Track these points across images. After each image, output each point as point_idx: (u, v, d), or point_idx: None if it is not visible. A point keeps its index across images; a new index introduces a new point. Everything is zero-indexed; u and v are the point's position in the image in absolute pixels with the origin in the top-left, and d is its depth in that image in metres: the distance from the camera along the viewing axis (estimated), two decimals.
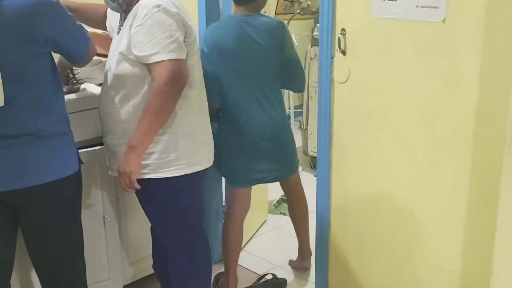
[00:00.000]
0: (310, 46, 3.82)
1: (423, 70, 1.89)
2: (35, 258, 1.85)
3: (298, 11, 3.79)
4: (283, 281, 2.55)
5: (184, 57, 1.76)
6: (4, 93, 1.59)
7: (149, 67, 1.74)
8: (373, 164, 2.11)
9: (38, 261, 1.85)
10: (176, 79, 1.73)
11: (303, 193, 2.60)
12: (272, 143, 2.28)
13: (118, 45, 1.81)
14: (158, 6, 1.71)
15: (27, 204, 1.71)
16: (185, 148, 1.84)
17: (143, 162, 1.80)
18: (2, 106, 1.59)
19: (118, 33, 1.87)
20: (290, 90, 2.75)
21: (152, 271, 2.29)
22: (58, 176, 1.69)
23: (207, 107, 1.97)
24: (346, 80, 2.14)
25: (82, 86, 2.16)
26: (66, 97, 2.07)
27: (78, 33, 1.72)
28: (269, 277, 2.55)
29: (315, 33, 3.99)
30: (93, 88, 2.19)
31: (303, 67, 2.67)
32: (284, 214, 3.21)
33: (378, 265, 2.18)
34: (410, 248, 2.06)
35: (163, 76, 1.70)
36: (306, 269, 2.66)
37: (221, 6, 2.66)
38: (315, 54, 3.66)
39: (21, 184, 1.65)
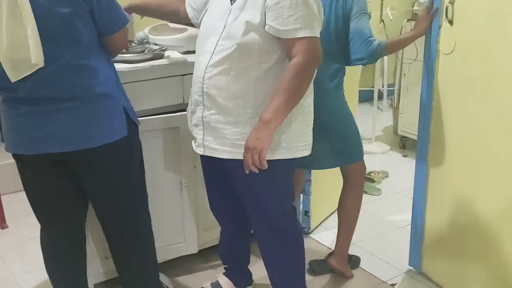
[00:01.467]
0: (406, 20, 3.62)
1: None
2: (99, 217, 1.94)
3: None
4: (357, 259, 2.45)
5: (319, 36, 1.70)
6: (44, 53, 1.62)
7: (287, 42, 1.66)
8: (473, 140, 1.98)
9: (103, 220, 1.94)
10: (317, 58, 1.68)
11: (361, 185, 2.31)
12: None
13: (240, 13, 1.70)
14: None
15: (81, 166, 1.79)
16: (296, 130, 1.77)
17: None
18: (43, 67, 1.63)
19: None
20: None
21: None
22: (103, 142, 1.74)
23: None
24: (452, 51, 2.03)
25: (166, 53, 2.19)
26: (151, 63, 2.15)
27: (117, 13, 1.76)
28: None
29: (415, 8, 3.81)
30: (177, 55, 2.21)
31: None
32: (365, 192, 3.09)
33: (472, 248, 2.07)
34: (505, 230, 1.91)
35: (306, 54, 1.64)
36: (341, 273, 2.37)
37: None
38: (410, 29, 3.45)
39: (69, 147, 1.72)
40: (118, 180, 1.87)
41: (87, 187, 1.86)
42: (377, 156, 3.71)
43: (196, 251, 2.37)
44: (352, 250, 2.43)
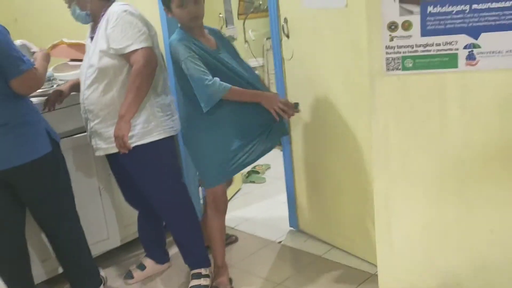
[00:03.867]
0: (265, 39, 4.38)
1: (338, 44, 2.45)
2: (37, 221, 2.34)
3: (251, 10, 4.34)
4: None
5: (151, 46, 2.27)
6: None
7: (126, 56, 2.23)
8: (316, 119, 2.69)
9: (40, 223, 2.34)
10: (149, 62, 2.23)
11: (209, 209, 2.51)
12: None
13: (95, 47, 2.30)
14: (125, 10, 2.25)
15: (15, 180, 2.18)
16: (161, 118, 2.35)
17: (130, 134, 2.28)
18: None
19: (91, 39, 2.36)
20: None
21: None
22: (31, 158, 2.12)
23: (168, 88, 2.47)
24: (291, 57, 2.72)
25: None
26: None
27: (19, 57, 2.06)
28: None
29: None
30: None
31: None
32: (254, 182, 3.81)
33: (329, 201, 2.75)
34: (347, 182, 2.63)
35: (140, 60, 2.21)
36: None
37: None
38: (270, 46, 4.22)
39: (2, 166, 2.10)
40: (48, 187, 2.26)
41: (23, 197, 2.25)
42: None
43: (119, 245, 2.86)
44: (245, 224, 3.04)
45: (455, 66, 1.67)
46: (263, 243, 2.95)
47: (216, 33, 2.47)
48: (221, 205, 2.49)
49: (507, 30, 1.59)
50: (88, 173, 2.70)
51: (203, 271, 2.57)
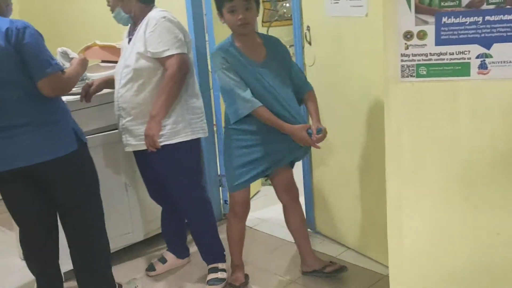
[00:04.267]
0: (288, 46, 4.46)
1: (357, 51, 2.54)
2: (60, 217, 2.37)
3: (275, 18, 4.45)
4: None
5: (186, 52, 2.40)
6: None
7: (161, 60, 2.36)
8: (335, 120, 2.72)
9: (61, 219, 2.37)
10: (182, 67, 2.37)
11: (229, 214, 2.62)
12: None
13: (133, 48, 2.43)
14: (164, 17, 2.38)
15: (42, 176, 2.24)
16: (189, 120, 2.47)
17: (160, 133, 2.39)
18: None
19: (129, 40, 2.49)
20: None
21: None
22: (56, 155, 2.19)
23: (198, 91, 2.58)
24: (313, 64, 2.83)
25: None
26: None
27: (47, 59, 2.11)
28: None
29: None
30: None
31: None
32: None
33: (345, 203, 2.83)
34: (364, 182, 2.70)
35: (174, 65, 2.34)
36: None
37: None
38: (293, 53, 4.32)
39: (29, 162, 2.17)
40: (70, 186, 2.30)
41: (50, 193, 2.30)
42: None
43: (142, 239, 2.98)
44: (263, 225, 3.13)
45: (467, 74, 1.74)
46: (280, 243, 3.05)
47: (272, 43, 2.44)
48: (239, 211, 2.54)
49: None
50: (115, 169, 2.83)
51: (220, 265, 2.70)
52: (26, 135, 2.17)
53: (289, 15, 4.28)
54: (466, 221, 1.81)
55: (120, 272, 2.79)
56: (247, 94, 2.27)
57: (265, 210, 3.50)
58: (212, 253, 2.71)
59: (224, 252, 2.73)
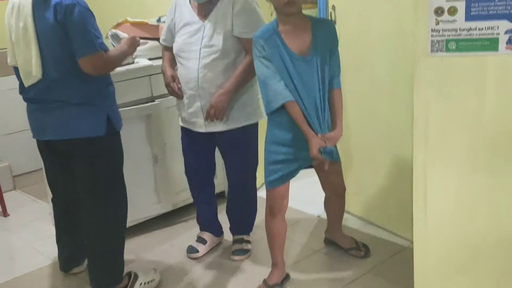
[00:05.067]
0: None
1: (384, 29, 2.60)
2: (81, 189, 2.36)
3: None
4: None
5: None
6: (43, 68, 2.16)
7: (246, 41, 2.35)
8: (361, 100, 2.84)
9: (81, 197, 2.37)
10: None
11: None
12: None
13: (215, 27, 2.37)
14: None
15: (67, 152, 2.30)
16: (257, 103, 2.54)
17: (227, 116, 2.43)
18: (41, 79, 2.17)
19: (204, 18, 2.40)
20: None
21: (190, 201, 2.98)
22: (82, 135, 2.20)
23: None
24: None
25: (136, 60, 2.90)
26: (126, 67, 2.75)
27: (90, 38, 2.12)
28: None
29: None
30: (145, 61, 2.92)
31: None
32: None
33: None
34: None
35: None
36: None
37: None
38: None
39: (56, 137, 2.25)
40: (90, 169, 2.30)
41: (73, 169, 2.34)
42: None
43: (170, 209, 3.09)
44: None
45: (496, 49, 1.81)
46: (303, 216, 3.14)
47: (322, 28, 2.25)
48: (274, 208, 2.38)
49: None
50: (147, 142, 2.93)
51: (245, 237, 2.78)
52: (58, 111, 2.24)
53: None
54: (490, 193, 1.89)
55: (149, 240, 2.93)
56: (280, 85, 2.15)
57: (291, 186, 3.54)
58: (242, 225, 2.78)
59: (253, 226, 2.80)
